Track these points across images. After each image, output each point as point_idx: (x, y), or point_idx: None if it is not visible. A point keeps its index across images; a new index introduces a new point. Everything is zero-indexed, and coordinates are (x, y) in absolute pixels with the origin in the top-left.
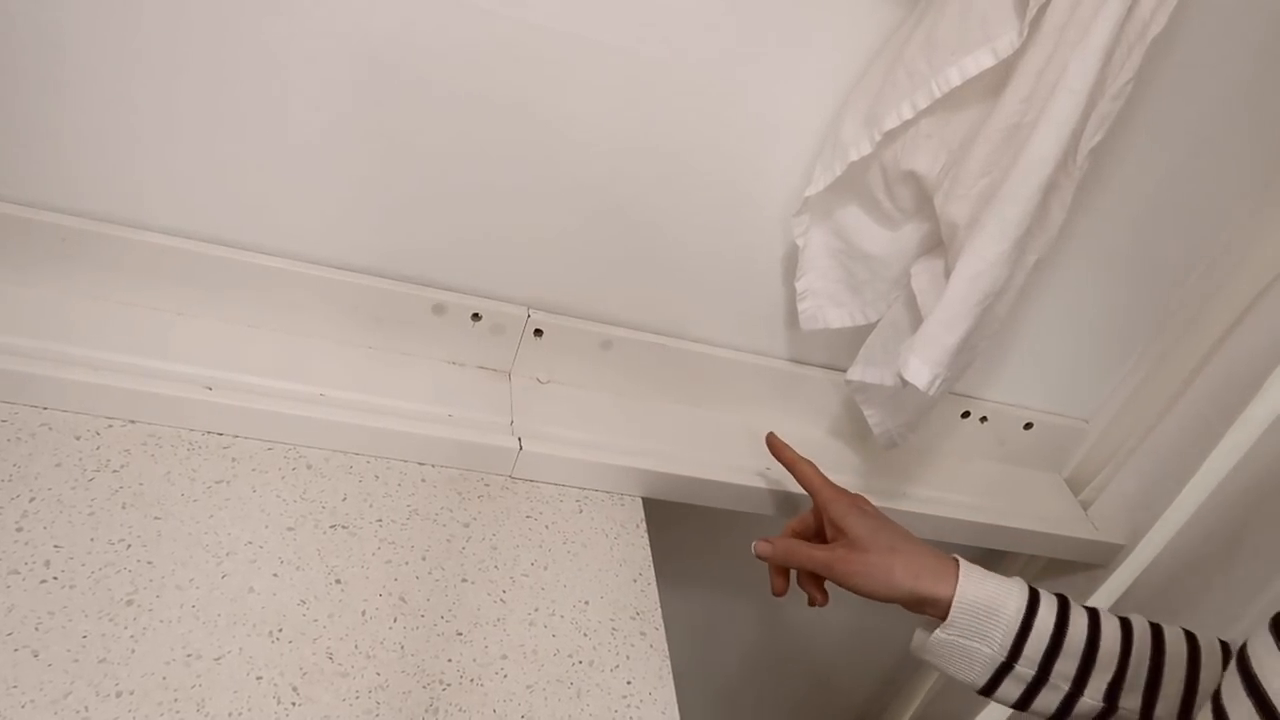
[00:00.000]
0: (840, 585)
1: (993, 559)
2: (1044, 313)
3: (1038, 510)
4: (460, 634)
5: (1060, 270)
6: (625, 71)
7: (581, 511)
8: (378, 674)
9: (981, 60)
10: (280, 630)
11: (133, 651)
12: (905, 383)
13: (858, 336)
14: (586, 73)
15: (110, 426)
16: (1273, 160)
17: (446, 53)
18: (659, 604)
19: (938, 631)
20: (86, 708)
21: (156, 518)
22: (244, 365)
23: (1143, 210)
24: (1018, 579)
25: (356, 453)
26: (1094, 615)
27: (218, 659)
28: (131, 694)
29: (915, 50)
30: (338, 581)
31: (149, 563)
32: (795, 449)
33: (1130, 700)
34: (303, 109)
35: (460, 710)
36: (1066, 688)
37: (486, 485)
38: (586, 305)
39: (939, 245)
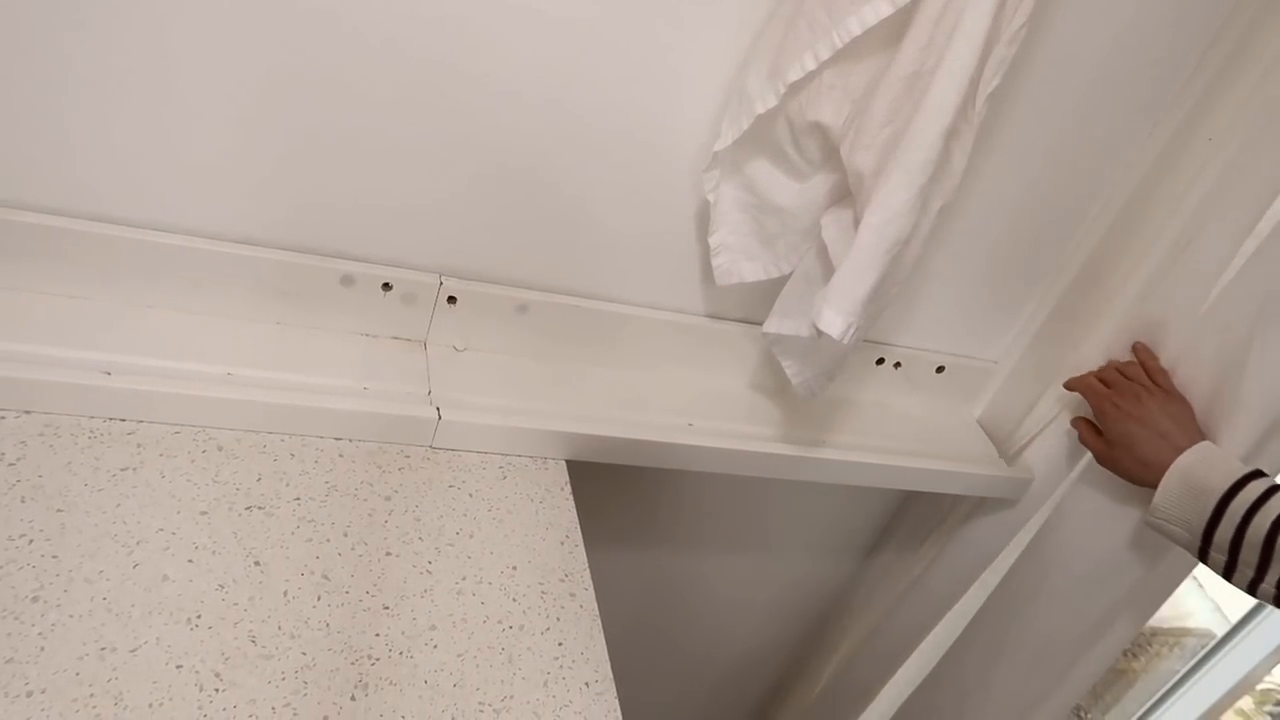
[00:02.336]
0: (1108, 468)
1: (913, 500)
2: (951, 258)
3: (953, 449)
4: (387, 608)
5: (965, 216)
6: (532, 30)
7: (505, 478)
8: (303, 654)
9: (880, 9)
10: (199, 617)
11: (41, 649)
12: (820, 333)
13: (773, 289)
14: (493, 33)
15: (2, 418)
16: (1163, 98)
17: (347, 15)
18: (587, 565)
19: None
20: None
21: (59, 510)
22: (144, 347)
23: (1041, 153)
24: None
25: (269, 431)
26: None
27: (134, 650)
28: (43, 692)
29: (815, 2)
30: (257, 563)
31: (54, 557)
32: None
33: None
34: (194, 74)
35: (391, 684)
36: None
37: (407, 457)
38: (500, 270)
39: (847, 196)
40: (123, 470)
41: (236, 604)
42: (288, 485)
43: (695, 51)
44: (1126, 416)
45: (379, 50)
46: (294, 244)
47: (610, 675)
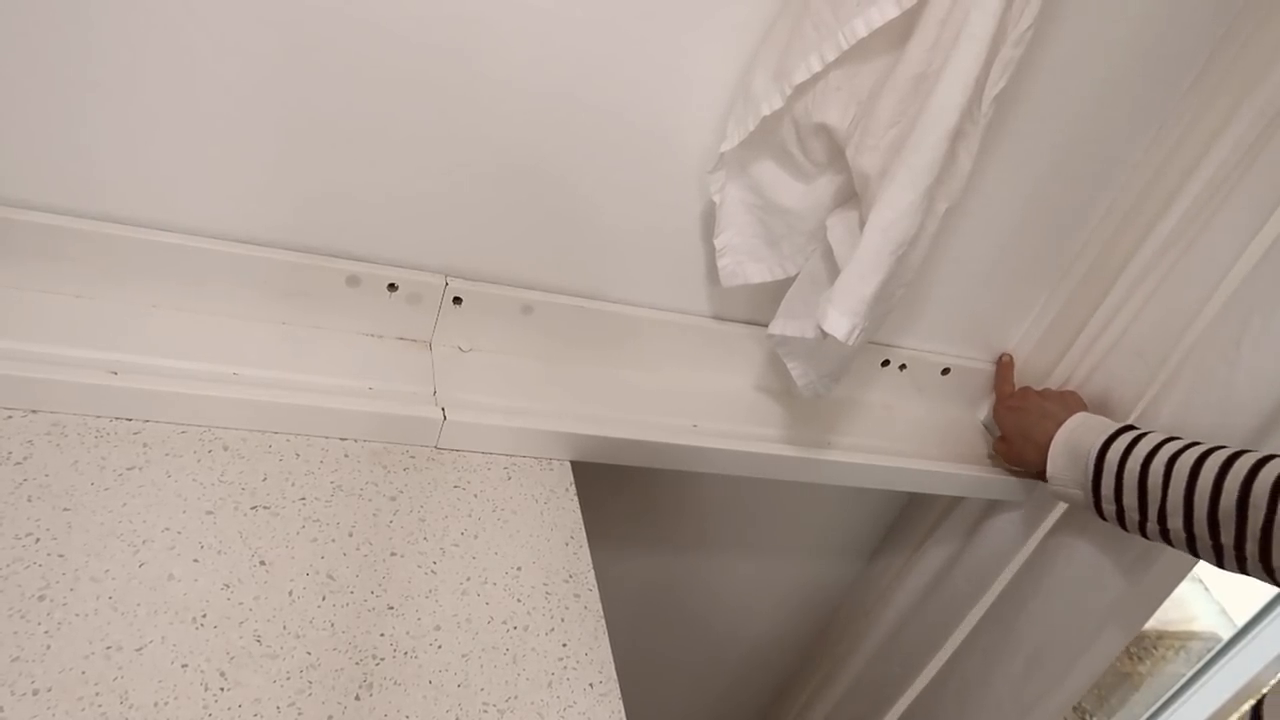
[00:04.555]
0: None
1: (919, 502)
2: (956, 259)
3: (958, 452)
4: (392, 608)
5: (970, 217)
6: (537, 30)
7: (510, 478)
8: (308, 653)
9: (886, 10)
10: (204, 616)
11: (48, 648)
12: (825, 334)
13: (778, 291)
14: (501, 34)
15: (9, 418)
16: (1169, 102)
17: (354, 14)
18: (591, 566)
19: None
20: (2, 708)
21: (66, 509)
22: (150, 347)
23: (1047, 154)
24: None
25: (275, 431)
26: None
27: (139, 649)
28: (49, 691)
29: (821, 3)
30: (262, 563)
31: (60, 556)
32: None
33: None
34: (200, 75)
35: (395, 684)
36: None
37: (412, 457)
38: (506, 270)
39: (853, 197)
40: (129, 469)
41: (242, 603)
42: (293, 485)
43: (702, 52)
44: (1015, 410)
45: (388, 50)
46: (300, 244)
47: (614, 676)
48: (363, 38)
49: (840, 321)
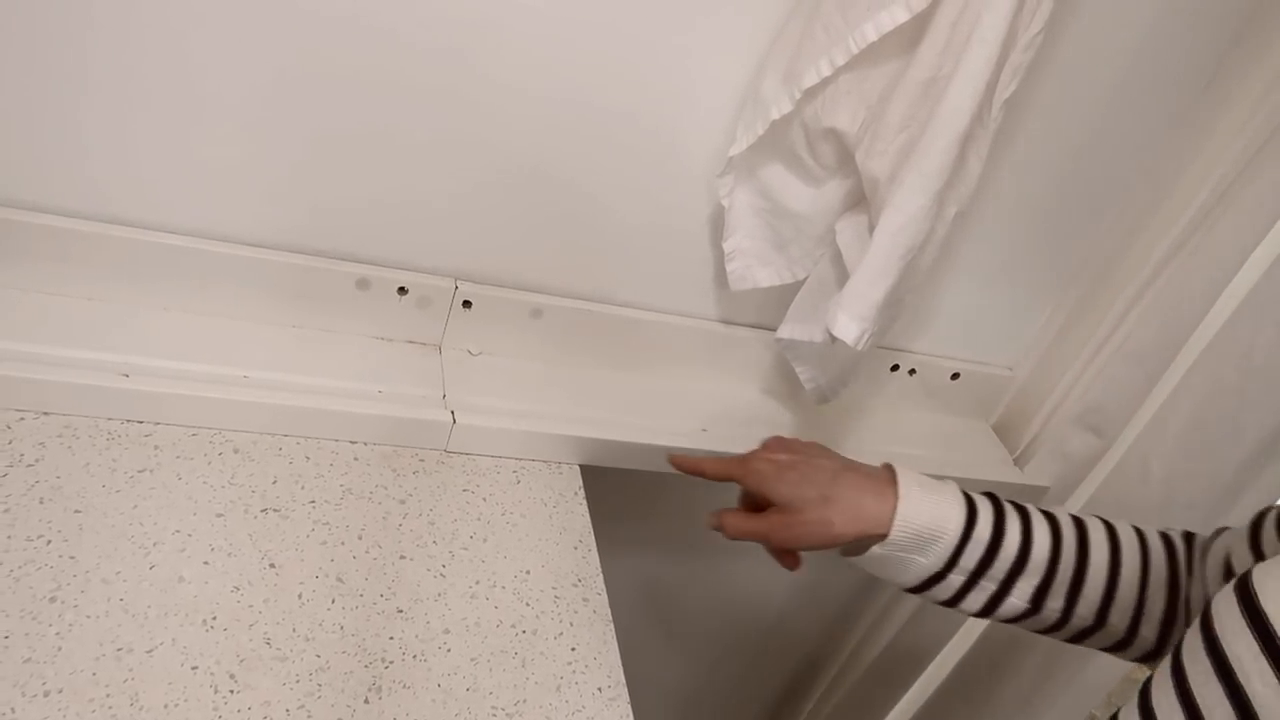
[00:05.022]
0: (788, 547)
1: None
2: (966, 264)
3: (967, 458)
4: (401, 611)
5: (980, 222)
6: (545, 33)
7: (519, 482)
8: (318, 656)
9: (896, 15)
10: (214, 618)
11: (59, 649)
12: (834, 339)
13: (787, 295)
14: (510, 37)
15: (21, 419)
16: (1179, 106)
17: (364, 19)
18: (600, 570)
19: (875, 548)
20: (13, 709)
21: (77, 511)
22: (161, 350)
23: (1057, 159)
24: (952, 488)
25: (285, 434)
26: (1025, 521)
27: (150, 651)
28: (60, 692)
29: (831, 6)
30: (272, 566)
31: (71, 558)
32: (695, 455)
33: (1054, 602)
34: (210, 78)
35: (405, 687)
36: (994, 589)
37: (421, 461)
38: (515, 274)
39: (862, 201)
40: (140, 472)
41: (252, 606)
42: (303, 488)
43: (711, 56)
44: (788, 467)
45: (397, 54)
46: (310, 247)
47: (623, 680)
48: (371, 44)
49: (849, 326)
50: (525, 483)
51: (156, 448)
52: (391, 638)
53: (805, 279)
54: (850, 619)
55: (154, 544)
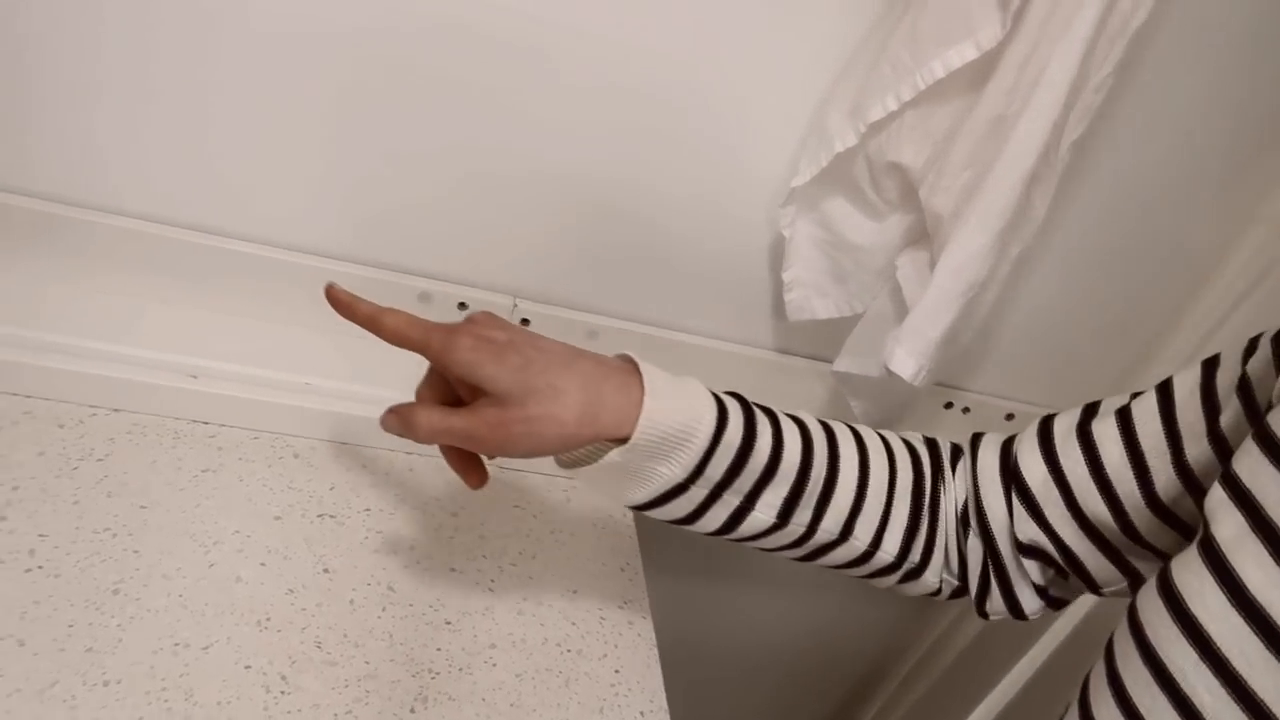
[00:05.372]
0: (498, 455)
1: None
2: (1026, 305)
3: None
4: (449, 623)
5: (1043, 263)
6: (611, 60)
7: (569, 501)
8: (366, 663)
9: (965, 53)
10: (268, 619)
11: (120, 641)
12: (891, 374)
13: (843, 327)
14: (572, 61)
15: (94, 415)
16: (1252, 152)
17: (432, 38)
18: (646, 593)
19: (613, 454)
20: (73, 697)
21: (142, 506)
22: (228, 353)
23: (1124, 203)
24: (697, 384)
25: (344, 442)
26: (775, 423)
27: (205, 648)
28: (119, 683)
29: (899, 42)
30: (326, 570)
31: (135, 552)
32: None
33: (803, 514)
34: (284, 93)
35: (450, 699)
36: (738, 502)
37: None
38: (573, 294)
39: (924, 237)
40: (203, 471)
41: (305, 609)
42: (359, 495)
43: (777, 88)
44: (504, 346)
45: (463, 77)
46: (375, 260)
47: (665, 706)
48: (441, 69)
49: (907, 362)
50: (575, 502)
51: (220, 449)
52: (439, 649)
53: (863, 313)
54: (907, 639)
55: (214, 543)
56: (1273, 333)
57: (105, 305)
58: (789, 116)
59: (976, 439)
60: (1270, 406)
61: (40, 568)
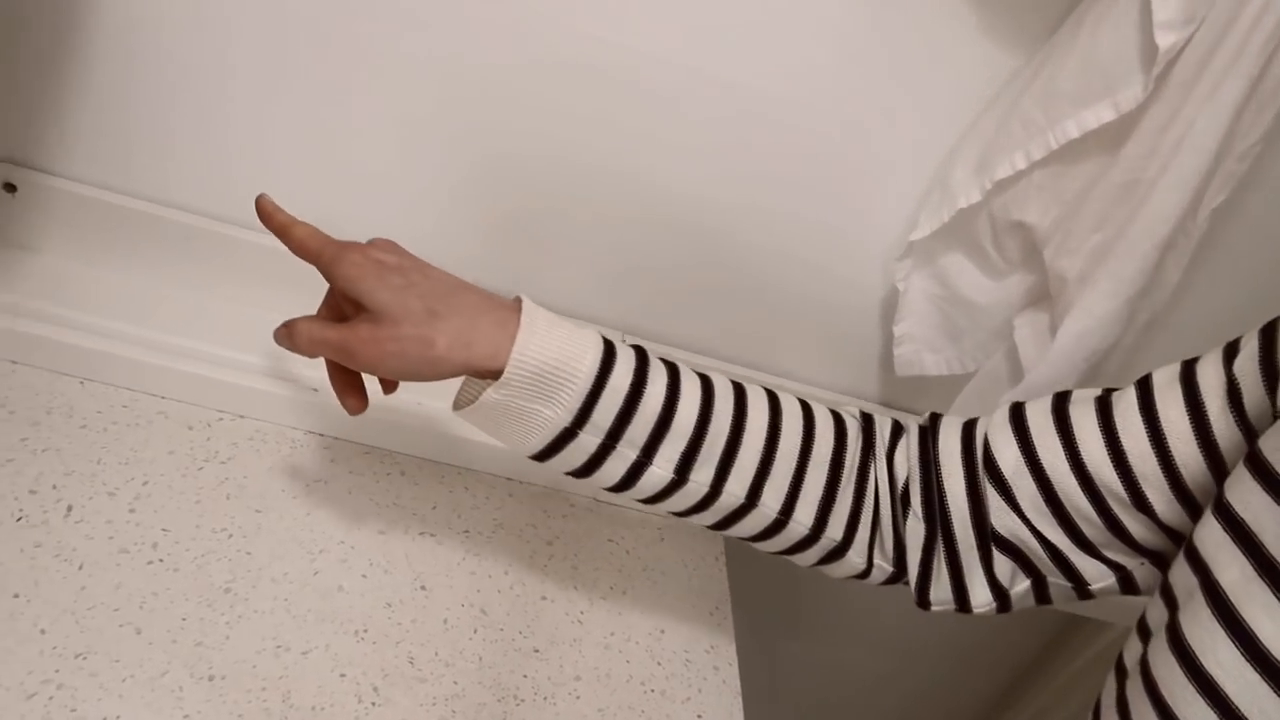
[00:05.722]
0: (372, 373)
1: (1076, 625)
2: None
3: None
4: (537, 650)
5: (1172, 332)
6: (733, 103)
7: (663, 540)
8: (455, 683)
9: (1102, 114)
10: (366, 631)
11: (227, 638)
12: None
13: (952, 384)
14: (693, 103)
15: (221, 419)
16: None
17: (556, 75)
18: (734, 639)
19: (489, 391)
20: (181, 688)
21: (257, 510)
22: None
23: (1262, 276)
24: (591, 330)
25: (449, 463)
26: (674, 375)
27: (305, 653)
28: (224, 679)
29: (1032, 100)
30: (423, 588)
31: (248, 553)
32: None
33: (702, 473)
34: (418, 122)
35: None
36: (634, 455)
37: (571, 506)
38: (679, 333)
39: (1045, 298)
40: (316, 481)
41: (400, 624)
42: (459, 516)
43: (902, 139)
44: (394, 269)
45: (591, 115)
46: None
47: None
48: (566, 110)
49: None
50: (669, 541)
51: (333, 460)
52: (525, 676)
53: (975, 371)
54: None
55: (320, 551)
56: (1259, 327)
57: (237, 315)
58: (912, 169)
59: (935, 418)
60: (1262, 427)
61: (161, 561)
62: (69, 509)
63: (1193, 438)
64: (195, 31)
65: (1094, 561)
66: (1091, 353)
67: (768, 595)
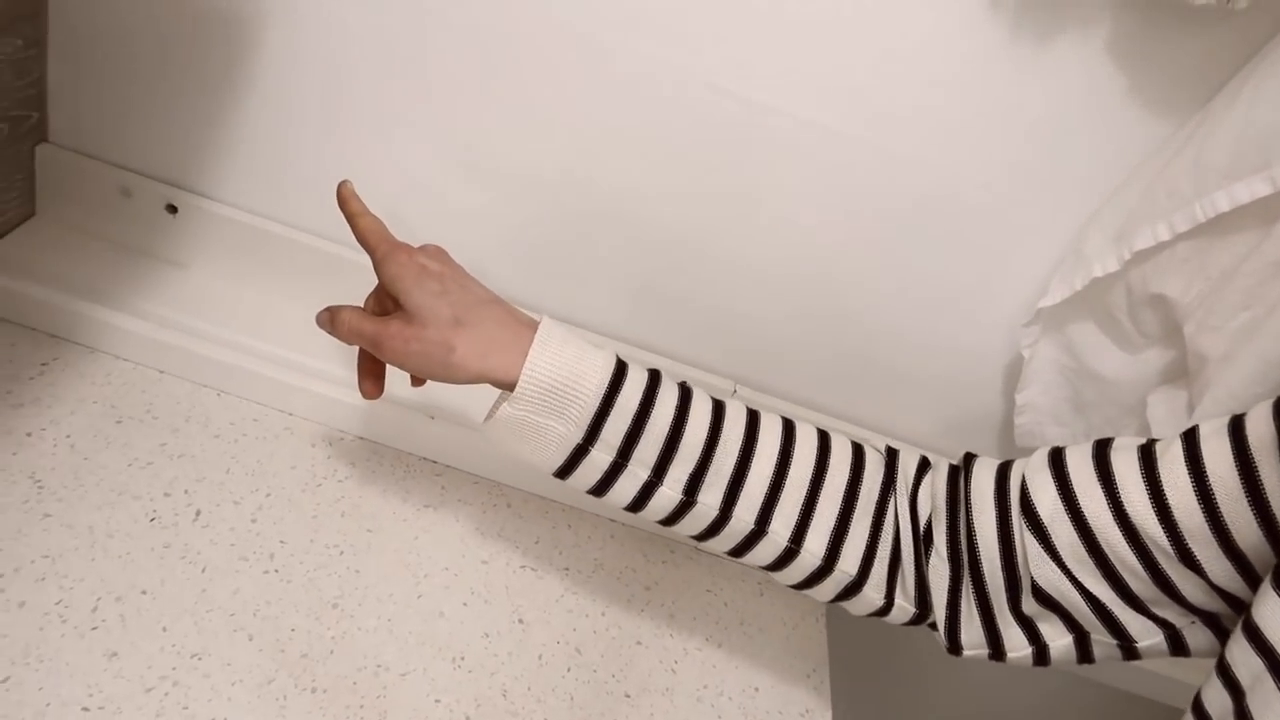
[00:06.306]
0: (397, 366)
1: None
2: None
3: None
4: (628, 696)
5: None
6: (860, 162)
7: (762, 595)
8: (546, 719)
9: (1256, 188)
10: (463, 659)
11: (331, 652)
12: None
13: None
14: (819, 160)
15: (342, 439)
16: None
17: (680, 127)
18: (830, 705)
19: (504, 405)
20: (285, 696)
21: (369, 530)
22: (465, 400)
23: None
24: (607, 349)
25: (554, 500)
26: (685, 395)
27: (404, 674)
28: (325, 692)
29: (1180, 170)
30: (520, 621)
31: (356, 571)
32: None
33: (710, 495)
34: (540, 169)
35: None
36: (645, 476)
37: (672, 552)
38: (791, 387)
39: (1182, 376)
40: (425, 507)
41: (496, 655)
42: (560, 554)
43: (1033, 204)
44: (436, 275)
45: (715, 165)
46: (608, 333)
47: None
48: (686, 150)
49: None
50: (768, 596)
51: (443, 488)
52: None
53: None
54: None
55: (425, 575)
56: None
57: None
58: (1043, 235)
59: (970, 457)
60: None
61: (276, 571)
62: (197, 514)
63: (1242, 495)
64: (355, 75)
65: (1140, 617)
66: None
67: (872, 661)
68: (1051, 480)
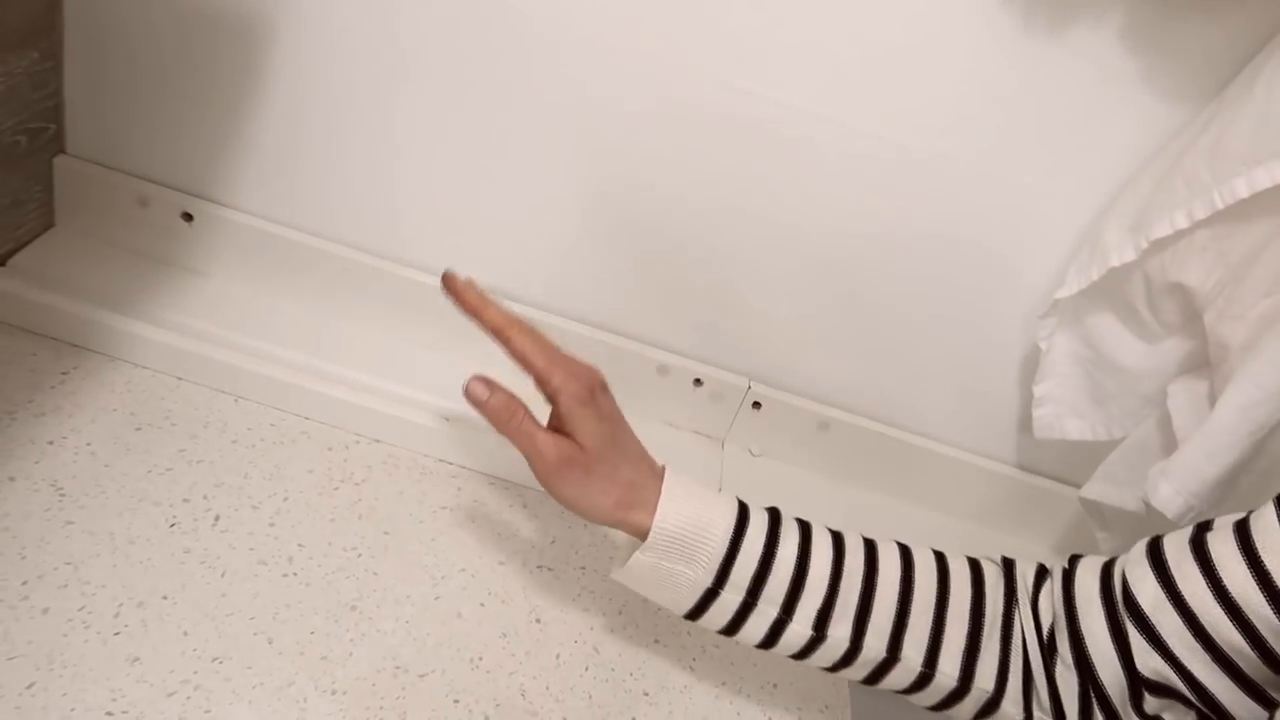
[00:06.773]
0: (544, 486)
1: None
2: None
3: None
4: (646, 694)
5: None
6: (877, 157)
7: None
8: (564, 718)
9: (1277, 173)
10: (481, 659)
11: (350, 654)
12: (1150, 509)
13: (1094, 450)
14: (836, 156)
15: (358, 442)
16: None
17: (695, 125)
18: (850, 702)
19: (636, 554)
20: (305, 699)
21: (386, 533)
22: None
23: None
24: (727, 495)
25: None
26: (805, 533)
27: (423, 675)
28: (345, 694)
29: (1197, 157)
30: (538, 621)
31: (374, 573)
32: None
33: (840, 629)
34: (555, 169)
35: None
36: (775, 613)
37: None
38: (809, 384)
39: (1203, 365)
40: (442, 508)
41: (514, 655)
42: (577, 553)
43: (1049, 195)
44: (606, 416)
45: (732, 163)
46: (621, 329)
47: None
48: (706, 149)
49: (1173, 499)
50: None
51: (459, 489)
52: (634, 718)
53: (1121, 439)
54: None
55: (442, 577)
56: None
57: (381, 344)
58: (1059, 225)
59: (1074, 560)
60: None
61: (295, 574)
62: (216, 518)
63: None
64: (366, 82)
65: (1249, 701)
66: (1257, 426)
67: None
68: (1150, 570)
